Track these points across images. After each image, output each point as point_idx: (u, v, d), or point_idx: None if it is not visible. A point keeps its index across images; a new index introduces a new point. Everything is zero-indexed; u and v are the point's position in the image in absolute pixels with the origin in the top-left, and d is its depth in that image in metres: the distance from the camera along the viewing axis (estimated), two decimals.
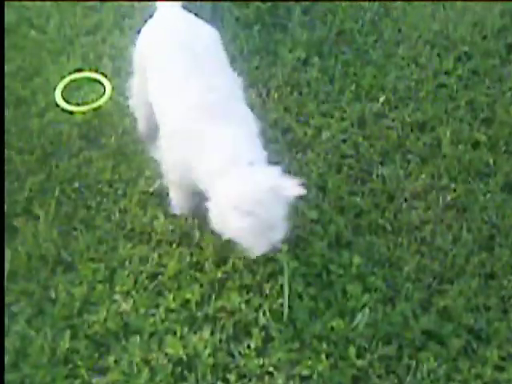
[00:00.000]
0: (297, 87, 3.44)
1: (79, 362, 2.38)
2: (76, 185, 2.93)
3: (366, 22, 3.86)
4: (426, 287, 2.63)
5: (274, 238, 2.35)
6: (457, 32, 3.82)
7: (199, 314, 2.50)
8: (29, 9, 3.83)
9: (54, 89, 3.34)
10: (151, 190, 2.89)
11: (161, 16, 2.85)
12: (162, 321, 2.49)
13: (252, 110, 2.61)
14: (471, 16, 3.92)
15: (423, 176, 3.04)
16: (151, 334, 2.45)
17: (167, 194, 2.80)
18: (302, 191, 2.27)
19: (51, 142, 3.11)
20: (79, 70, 3.46)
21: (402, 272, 2.67)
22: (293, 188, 2.28)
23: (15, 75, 3.41)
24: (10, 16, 3.70)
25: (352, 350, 2.41)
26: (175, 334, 2.45)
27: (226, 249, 2.66)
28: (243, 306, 2.52)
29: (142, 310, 2.51)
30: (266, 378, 2.36)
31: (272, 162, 2.46)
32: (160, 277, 2.62)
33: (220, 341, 2.43)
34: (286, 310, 2.49)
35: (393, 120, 3.30)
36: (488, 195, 2.98)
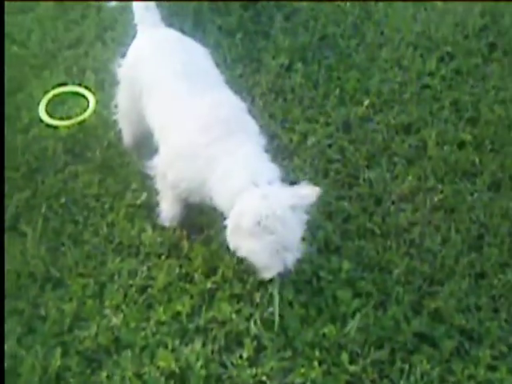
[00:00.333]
0: (281, 94, 3.45)
1: (71, 380, 2.36)
2: (63, 200, 2.92)
3: (348, 25, 3.88)
4: (417, 290, 2.63)
5: (289, 259, 2.34)
6: (439, 33, 3.84)
7: (190, 325, 2.50)
8: (9, 24, 3.81)
9: (38, 104, 3.33)
10: (138, 202, 2.88)
11: (151, 36, 2.87)
12: (153, 334, 2.48)
13: None
14: (452, 16, 3.94)
15: (410, 178, 3.04)
16: (143, 348, 2.44)
17: (156, 206, 2.79)
18: (317, 191, 2.33)
19: (36, 157, 3.10)
20: (62, 85, 3.46)
21: (392, 275, 2.67)
22: (311, 194, 2.32)
23: None
24: None
25: (345, 356, 2.41)
26: (167, 346, 2.44)
27: (215, 259, 2.66)
28: (234, 315, 2.51)
29: (132, 324, 2.50)
30: None
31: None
32: (150, 290, 2.61)
33: (212, 352, 2.42)
34: (277, 319, 2.49)
35: (378, 123, 3.31)
36: (475, 195, 2.99)
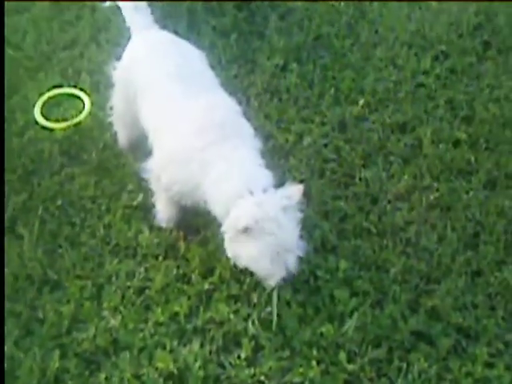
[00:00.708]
0: (276, 94, 3.46)
1: (70, 382, 2.36)
2: (59, 202, 2.92)
3: (342, 25, 3.89)
4: (414, 288, 2.64)
5: (290, 260, 2.35)
6: (433, 31, 3.85)
7: (188, 326, 2.50)
8: (3, 26, 3.81)
9: (33, 106, 3.33)
10: (135, 203, 2.89)
11: (145, 39, 2.87)
12: (152, 335, 2.48)
13: None
14: (447, 15, 3.95)
15: (406, 177, 3.05)
16: (141, 349, 2.44)
17: (153, 207, 2.79)
18: (301, 189, 2.34)
19: (32, 160, 3.10)
20: (58, 87, 3.45)
21: (389, 274, 2.67)
22: (296, 192, 2.33)
23: None
24: None
25: (342, 355, 2.41)
26: (165, 347, 2.44)
27: (212, 260, 2.66)
28: (232, 316, 2.51)
29: (130, 326, 2.50)
30: None
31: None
32: (147, 291, 2.61)
33: (210, 352, 2.43)
34: (274, 319, 2.49)
35: (373, 122, 3.32)
36: (471, 193, 3.00)
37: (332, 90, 3.46)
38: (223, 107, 2.56)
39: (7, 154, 3.09)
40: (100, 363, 2.42)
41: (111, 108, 3.05)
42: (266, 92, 3.45)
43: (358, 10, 3.99)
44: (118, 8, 3.06)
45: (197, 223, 2.78)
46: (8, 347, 2.43)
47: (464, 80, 3.57)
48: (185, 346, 2.45)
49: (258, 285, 2.58)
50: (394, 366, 2.41)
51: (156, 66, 2.72)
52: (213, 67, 2.85)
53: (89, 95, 3.39)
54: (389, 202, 2.96)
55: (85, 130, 3.24)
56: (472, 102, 3.44)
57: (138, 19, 2.92)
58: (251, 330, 2.48)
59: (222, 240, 2.40)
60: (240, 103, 2.69)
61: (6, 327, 2.49)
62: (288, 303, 2.55)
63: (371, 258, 2.73)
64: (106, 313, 2.55)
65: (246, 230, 2.27)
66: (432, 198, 2.97)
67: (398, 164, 3.12)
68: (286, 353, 2.42)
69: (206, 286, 2.60)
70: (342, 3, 4.02)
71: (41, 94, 3.40)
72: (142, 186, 2.80)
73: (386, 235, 2.82)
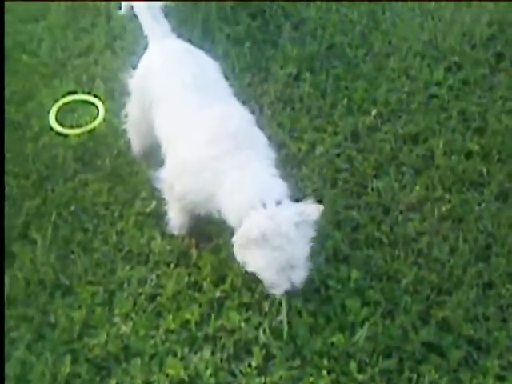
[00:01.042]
0: (289, 103, 3.47)
1: None
2: (72, 208, 2.94)
3: (355, 35, 3.90)
4: (425, 299, 2.64)
5: (296, 277, 2.36)
6: (446, 42, 3.86)
7: (199, 334, 2.51)
8: (20, 33, 3.85)
9: (48, 112, 3.36)
10: (148, 210, 2.90)
11: (162, 48, 2.90)
12: (163, 342, 2.49)
13: None
14: (460, 26, 3.96)
15: (418, 188, 3.05)
16: (152, 356, 2.45)
17: (165, 214, 2.80)
18: (320, 209, 2.35)
19: (46, 165, 3.13)
20: (72, 93, 3.48)
21: (400, 284, 2.67)
22: (314, 211, 2.34)
23: (9, 100, 3.42)
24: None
25: (353, 365, 2.41)
26: (176, 355, 2.45)
27: (223, 268, 2.67)
28: (243, 324, 2.52)
29: (141, 332, 2.51)
30: None
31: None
32: (159, 298, 2.62)
33: (221, 360, 2.43)
34: (285, 327, 2.49)
35: (385, 133, 3.32)
36: (483, 204, 3.00)
37: (345, 100, 3.47)
38: (237, 117, 2.57)
39: (22, 159, 3.12)
40: (111, 369, 2.43)
41: (126, 115, 3.08)
42: (279, 101, 3.46)
43: (372, 20, 4.01)
44: (133, 16, 3.10)
45: (209, 231, 2.79)
46: (20, 351, 2.45)
47: (477, 91, 3.57)
48: (196, 353, 2.46)
49: (269, 294, 2.59)
50: (405, 376, 2.41)
51: (171, 76, 2.74)
52: (226, 76, 2.87)
53: (103, 102, 3.41)
54: (401, 212, 2.96)
55: (99, 137, 3.26)
56: (484, 114, 3.44)
57: (155, 28, 2.94)
58: (262, 338, 2.48)
59: (234, 249, 2.41)
60: (253, 112, 2.71)
61: (18, 331, 2.51)
62: (299, 312, 2.55)
63: (383, 268, 2.73)
64: (117, 319, 2.56)
65: (255, 241, 2.28)
66: (444, 209, 2.97)
67: (410, 175, 3.12)
68: (297, 362, 2.43)
69: (218, 294, 2.61)
70: (356, 13, 4.02)
71: (56, 101, 3.43)
72: (155, 194, 2.81)
73: (397, 246, 2.82)
